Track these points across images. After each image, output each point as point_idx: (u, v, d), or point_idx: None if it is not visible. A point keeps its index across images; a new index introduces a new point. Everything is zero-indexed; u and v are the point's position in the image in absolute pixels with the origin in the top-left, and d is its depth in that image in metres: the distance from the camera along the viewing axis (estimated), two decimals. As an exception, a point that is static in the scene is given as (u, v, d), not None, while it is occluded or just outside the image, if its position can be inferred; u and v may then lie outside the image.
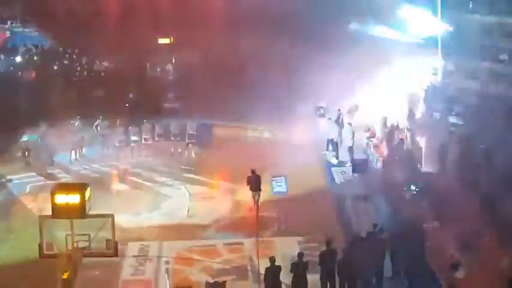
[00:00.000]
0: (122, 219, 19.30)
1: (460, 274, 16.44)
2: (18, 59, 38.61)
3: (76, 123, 28.70)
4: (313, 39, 32.90)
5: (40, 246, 14.30)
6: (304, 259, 16.85)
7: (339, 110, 28.92)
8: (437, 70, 30.83)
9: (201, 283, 17.22)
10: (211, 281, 17.00)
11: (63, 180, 24.40)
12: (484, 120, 24.15)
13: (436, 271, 17.39)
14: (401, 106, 28.90)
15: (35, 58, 39.04)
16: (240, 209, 22.63)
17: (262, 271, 16.93)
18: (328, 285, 16.90)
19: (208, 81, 33.29)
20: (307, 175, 24.97)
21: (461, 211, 19.48)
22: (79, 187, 14.31)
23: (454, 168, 23.21)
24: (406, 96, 29.47)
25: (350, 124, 27.49)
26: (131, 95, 33.13)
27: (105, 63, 38.36)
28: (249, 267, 18.75)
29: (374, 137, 27.95)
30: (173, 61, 38.00)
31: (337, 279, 16.85)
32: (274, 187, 23.97)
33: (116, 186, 25.21)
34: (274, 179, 24.24)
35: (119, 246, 14.70)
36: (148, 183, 25.21)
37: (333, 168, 26.27)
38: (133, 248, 19.77)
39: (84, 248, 14.25)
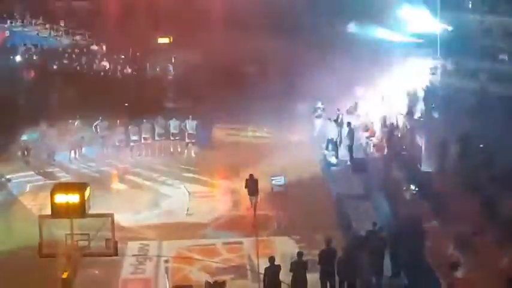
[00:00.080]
0: (122, 219, 19.35)
1: (459, 273, 16.46)
2: (18, 58, 38.59)
3: (76, 123, 28.69)
4: (313, 39, 32.94)
5: (40, 245, 14.31)
6: (304, 258, 16.86)
7: (338, 109, 28.93)
8: (436, 70, 30.87)
9: (200, 282, 17.22)
10: (211, 280, 16.99)
11: (63, 180, 24.40)
12: (484, 119, 24.16)
13: (436, 270, 17.39)
14: (401, 106, 28.92)
15: (35, 58, 39.01)
16: (240, 207, 22.64)
17: (262, 270, 16.94)
18: (328, 284, 16.91)
19: (207, 81, 33.28)
20: (307, 175, 25.00)
21: (461, 210, 19.47)
22: (79, 187, 14.33)
23: (454, 168, 23.22)
24: (405, 96, 29.49)
25: (349, 124, 27.49)
26: (131, 95, 33.09)
27: (105, 63, 38.34)
28: (248, 267, 18.76)
29: (374, 136, 27.97)
30: (173, 61, 37.99)
31: (336, 278, 16.86)
32: (274, 186, 23.97)
33: (116, 185, 25.25)
34: (273, 178, 24.25)
35: (119, 245, 14.73)
36: (148, 183, 25.22)
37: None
38: (133, 247, 19.78)
39: (83, 247, 14.27)
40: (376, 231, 17.83)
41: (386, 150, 26.42)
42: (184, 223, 21.73)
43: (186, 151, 28.05)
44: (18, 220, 21.40)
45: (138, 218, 21.82)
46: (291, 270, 16.62)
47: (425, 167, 23.86)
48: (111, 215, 14.37)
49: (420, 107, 28.49)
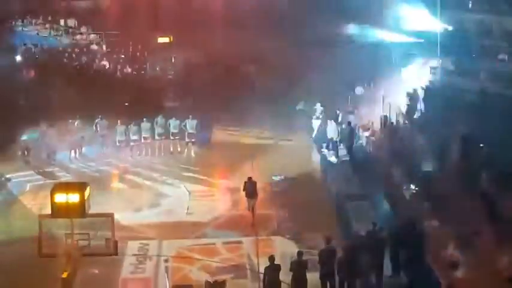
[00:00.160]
0: (122, 218, 19.38)
1: (459, 273, 16.46)
2: (18, 58, 38.57)
3: (76, 123, 28.70)
4: (313, 39, 32.94)
5: (39, 245, 14.31)
6: (304, 258, 16.86)
7: (338, 109, 28.93)
8: (436, 70, 30.87)
9: (200, 282, 17.22)
10: (211, 280, 16.99)
11: (63, 179, 24.41)
12: (484, 119, 24.15)
13: (436, 270, 17.39)
14: (401, 106, 28.92)
15: (35, 57, 39.00)
16: (239, 207, 22.64)
17: (262, 270, 16.94)
18: (328, 284, 16.88)
19: (207, 80, 33.31)
20: (307, 174, 25.02)
21: (461, 210, 19.46)
22: (79, 186, 14.33)
23: (454, 168, 23.21)
24: (405, 96, 29.50)
25: (350, 123, 27.50)
26: (131, 94, 33.09)
27: (105, 62, 38.35)
28: (248, 266, 18.76)
29: (374, 136, 27.97)
30: (173, 60, 37.99)
31: (336, 278, 16.85)
32: (273, 186, 23.96)
33: (116, 185, 25.26)
34: (273, 178, 24.25)
35: (119, 245, 14.73)
36: (148, 182, 25.23)
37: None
38: (133, 246, 19.77)
39: (83, 247, 14.27)
40: (376, 231, 17.82)
41: (386, 150, 26.41)
42: (184, 222, 21.73)
43: (186, 150, 28.05)
44: (18, 219, 21.41)
45: (138, 217, 21.82)
46: (291, 270, 16.60)
47: (425, 166, 23.85)
48: (111, 215, 14.38)
49: (420, 107, 28.49)
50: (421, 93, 29.40)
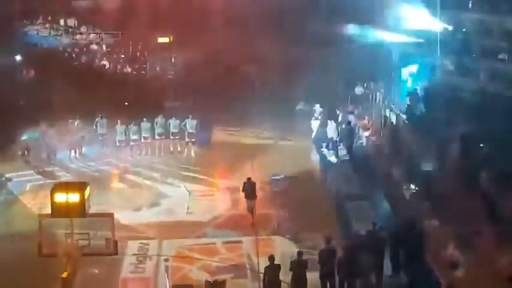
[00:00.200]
0: (122, 217, 19.39)
1: (459, 273, 16.46)
2: (18, 58, 38.54)
3: (76, 123, 28.70)
4: (313, 39, 32.90)
5: (39, 245, 14.32)
6: (304, 257, 16.86)
7: (338, 109, 28.91)
8: (436, 69, 30.81)
9: (200, 281, 17.23)
10: (211, 279, 16.99)
11: (63, 179, 24.42)
12: (484, 119, 24.15)
13: (436, 270, 17.39)
14: (401, 105, 28.91)
15: (35, 57, 38.96)
16: (239, 207, 22.64)
17: (262, 269, 16.95)
18: (328, 284, 16.90)
19: (207, 80, 33.29)
20: (307, 174, 25.02)
21: (461, 210, 19.47)
22: (79, 186, 14.35)
23: (454, 168, 23.21)
24: (405, 96, 29.47)
25: (349, 123, 27.50)
26: (131, 94, 33.09)
27: (105, 62, 38.34)
28: (248, 266, 18.77)
29: (374, 136, 27.97)
30: (172, 60, 37.98)
31: (336, 278, 16.85)
32: (273, 186, 23.96)
33: (116, 184, 25.28)
34: (273, 177, 24.25)
35: (119, 244, 14.74)
36: (148, 182, 25.25)
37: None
38: (133, 246, 19.78)
39: (83, 246, 14.28)
40: (376, 231, 17.83)
41: (386, 150, 26.43)
42: (184, 222, 21.75)
43: (186, 150, 28.06)
44: (18, 219, 21.40)
45: (138, 217, 21.84)
46: (291, 270, 16.62)
47: (425, 166, 23.85)
48: (111, 215, 14.39)
49: (420, 107, 28.48)
50: (421, 93, 29.38)
